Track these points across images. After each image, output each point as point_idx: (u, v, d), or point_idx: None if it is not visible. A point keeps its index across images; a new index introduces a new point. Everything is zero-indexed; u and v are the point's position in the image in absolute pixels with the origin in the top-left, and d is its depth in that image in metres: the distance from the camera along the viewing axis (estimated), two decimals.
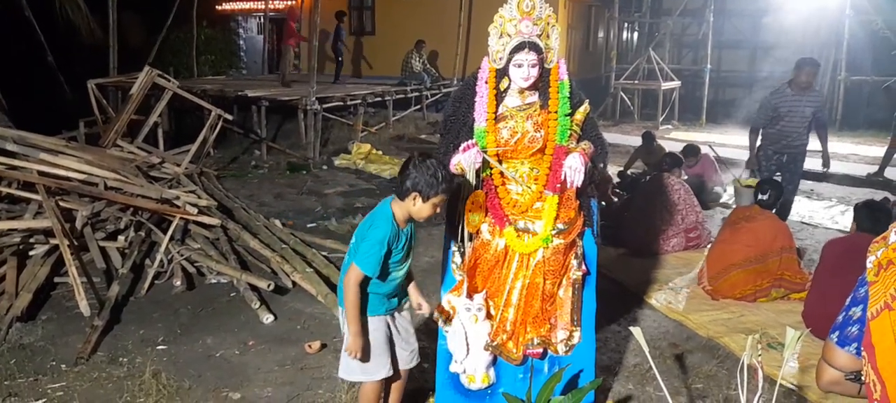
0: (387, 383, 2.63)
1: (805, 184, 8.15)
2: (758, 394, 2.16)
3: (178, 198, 5.49)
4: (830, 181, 8.31)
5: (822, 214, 6.73)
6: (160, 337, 3.76)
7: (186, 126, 9.81)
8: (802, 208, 6.91)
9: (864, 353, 1.72)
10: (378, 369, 2.50)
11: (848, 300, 2.92)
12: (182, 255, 4.70)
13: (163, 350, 3.61)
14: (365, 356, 2.45)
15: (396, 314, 2.58)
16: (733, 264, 4.27)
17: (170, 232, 4.87)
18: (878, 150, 8.75)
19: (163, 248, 4.67)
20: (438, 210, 2.43)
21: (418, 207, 2.35)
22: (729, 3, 16.30)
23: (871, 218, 3.79)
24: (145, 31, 12.71)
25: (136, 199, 5.39)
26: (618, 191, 6.43)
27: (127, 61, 11.04)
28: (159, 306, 4.20)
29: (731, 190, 7.17)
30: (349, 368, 2.51)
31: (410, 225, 2.47)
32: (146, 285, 4.40)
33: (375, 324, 2.48)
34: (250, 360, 3.51)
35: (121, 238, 5.03)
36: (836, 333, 2.96)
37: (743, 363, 2.17)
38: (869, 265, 1.73)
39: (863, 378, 2.79)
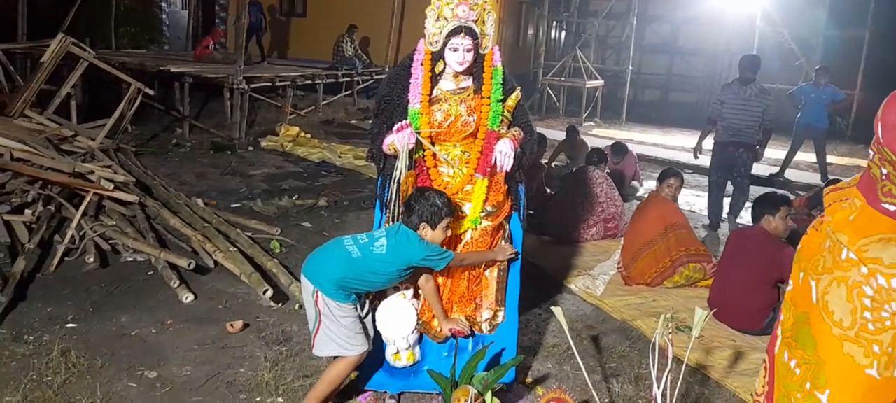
0: None
1: None
2: (666, 371, 2.30)
3: (92, 172, 5.22)
4: None
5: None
6: (70, 315, 3.59)
7: (102, 99, 9.26)
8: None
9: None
10: (362, 344, 2.58)
11: None
12: (95, 232, 4.48)
13: (72, 329, 3.45)
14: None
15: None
16: (637, 250, 4.56)
17: (82, 208, 4.63)
18: (780, 153, 9.41)
19: (75, 224, 4.44)
20: (449, 233, 2.59)
21: (430, 236, 2.52)
22: (650, 8, 16.98)
23: (764, 210, 4.07)
24: None
25: (46, 172, 5.09)
26: (548, 189, 6.59)
27: (37, 29, 10.35)
28: (69, 283, 4.00)
29: (648, 185, 7.52)
30: (329, 344, 2.56)
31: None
32: (55, 261, 4.18)
33: (349, 309, 2.55)
34: (168, 339, 3.41)
35: (28, 212, 4.73)
36: None
37: (654, 342, 2.31)
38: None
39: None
